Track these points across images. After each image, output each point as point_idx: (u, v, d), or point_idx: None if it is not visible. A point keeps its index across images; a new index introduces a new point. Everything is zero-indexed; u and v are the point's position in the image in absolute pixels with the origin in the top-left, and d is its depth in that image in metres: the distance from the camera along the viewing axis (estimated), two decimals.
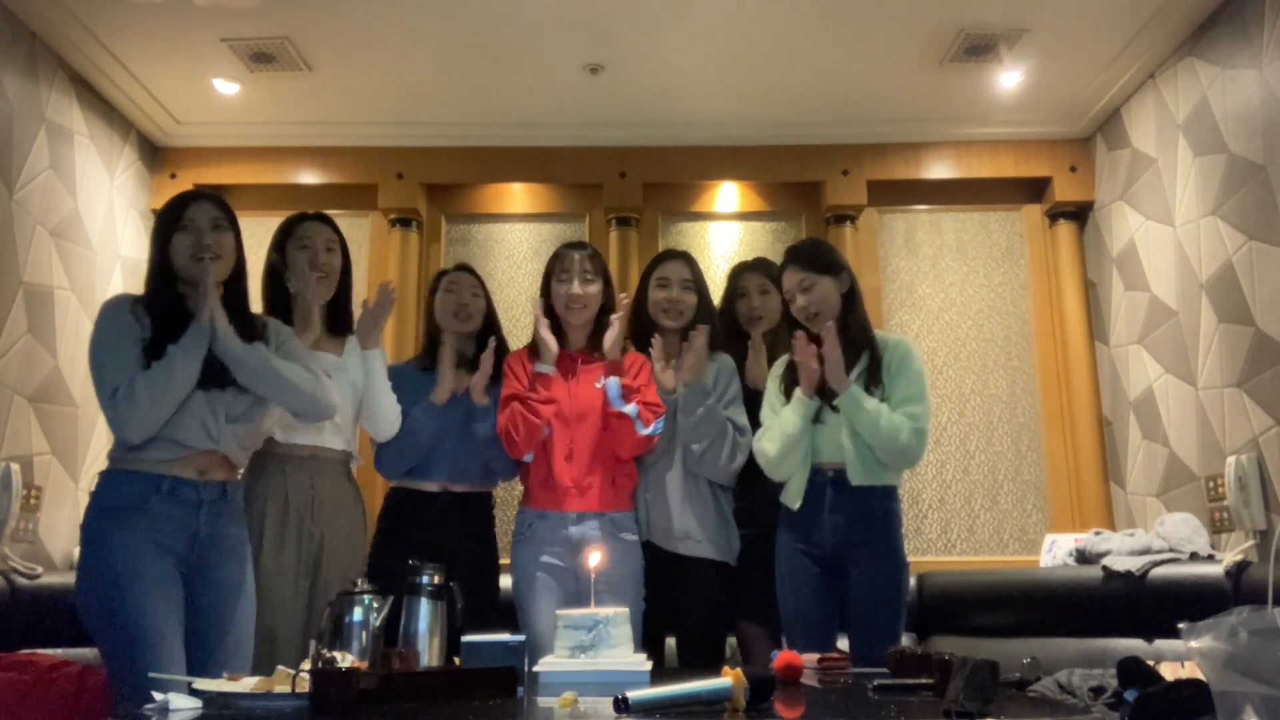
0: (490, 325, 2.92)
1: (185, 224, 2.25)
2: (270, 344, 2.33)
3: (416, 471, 2.76)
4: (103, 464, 2.22)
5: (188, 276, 2.25)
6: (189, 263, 2.24)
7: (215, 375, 2.22)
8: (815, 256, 2.61)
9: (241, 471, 2.45)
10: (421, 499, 2.75)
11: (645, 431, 2.63)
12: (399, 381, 2.76)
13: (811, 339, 2.55)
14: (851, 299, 2.61)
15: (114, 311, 2.23)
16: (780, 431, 2.54)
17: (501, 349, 2.86)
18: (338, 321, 2.71)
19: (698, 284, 2.89)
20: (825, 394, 2.53)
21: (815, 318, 2.56)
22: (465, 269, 2.97)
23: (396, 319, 4.11)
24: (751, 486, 2.78)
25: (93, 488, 2.21)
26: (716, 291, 3.07)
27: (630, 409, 2.63)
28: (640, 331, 2.90)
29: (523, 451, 2.67)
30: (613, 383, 2.66)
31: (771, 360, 2.83)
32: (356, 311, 2.76)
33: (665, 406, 2.70)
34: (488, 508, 2.86)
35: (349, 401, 2.62)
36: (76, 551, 3.39)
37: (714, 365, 2.82)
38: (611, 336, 2.71)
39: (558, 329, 2.77)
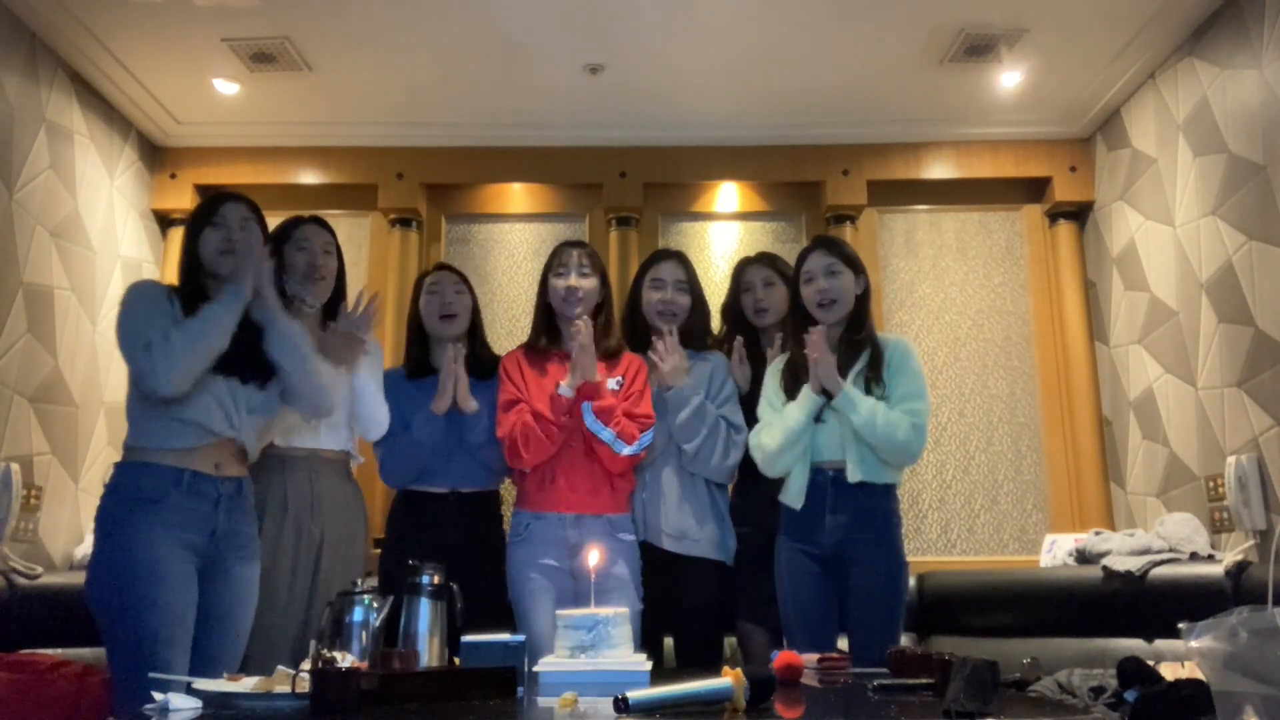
0: (473, 325, 2.90)
1: (217, 221, 2.33)
2: None
3: (423, 477, 2.76)
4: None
5: (214, 271, 2.32)
6: (216, 257, 2.31)
7: (238, 365, 2.26)
8: (846, 249, 2.66)
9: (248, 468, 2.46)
10: (430, 501, 2.75)
11: (627, 451, 2.60)
12: (386, 390, 2.75)
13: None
14: (864, 301, 2.63)
15: (147, 290, 2.28)
16: (783, 426, 2.55)
17: (478, 354, 2.84)
18: (331, 321, 2.72)
19: (691, 285, 2.89)
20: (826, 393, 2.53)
21: (831, 305, 2.58)
22: (445, 267, 2.96)
23: (395, 322, 4.11)
24: (750, 484, 2.78)
25: (107, 479, 2.21)
26: (716, 291, 3.07)
27: (607, 434, 2.59)
28: (636, 332, 2.90)
29: (526, 465, 2.65)
30: (586, 408, 2.60)
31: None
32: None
33: (654, 417, 2.67)
34: (495, 508, 2.86)
35: (344, 400, 2.62)
36: (77, 551, 3.45)
37: (708, 364, 2.82)
38: (580, 364, 2.59)
39: (554, 327, 2.76)
